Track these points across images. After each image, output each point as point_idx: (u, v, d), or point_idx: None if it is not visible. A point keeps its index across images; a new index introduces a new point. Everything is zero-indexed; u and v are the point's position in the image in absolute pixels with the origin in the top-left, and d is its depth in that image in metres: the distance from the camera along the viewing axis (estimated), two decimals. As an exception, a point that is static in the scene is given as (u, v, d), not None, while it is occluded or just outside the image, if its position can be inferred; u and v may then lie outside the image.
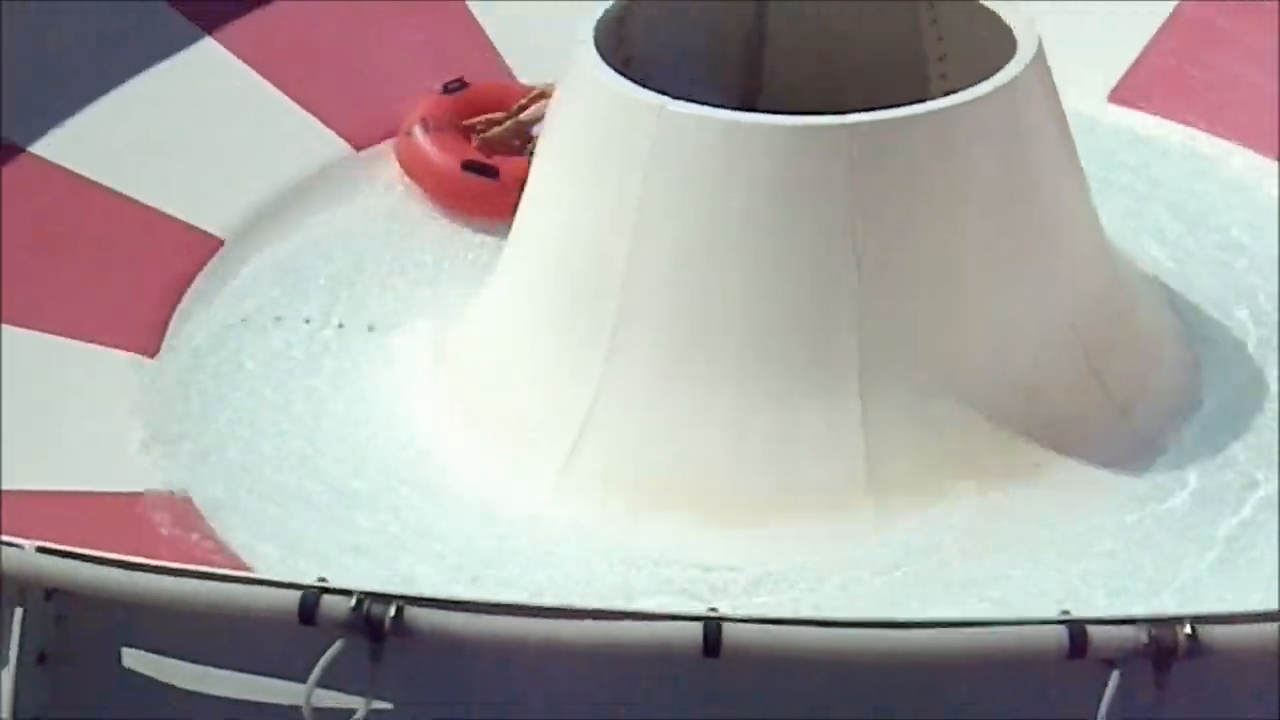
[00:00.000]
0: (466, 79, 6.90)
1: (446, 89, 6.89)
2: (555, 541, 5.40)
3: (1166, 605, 5.09)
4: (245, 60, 7.04)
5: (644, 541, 5.40)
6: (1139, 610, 3.94)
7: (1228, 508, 5.52)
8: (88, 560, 3.86)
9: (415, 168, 6.69)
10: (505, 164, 6.58)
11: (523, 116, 6.71)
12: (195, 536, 5.40)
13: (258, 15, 7.07)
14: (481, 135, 6.70)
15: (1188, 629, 3.72)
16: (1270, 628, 3.73)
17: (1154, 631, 3.71)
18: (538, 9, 7.08)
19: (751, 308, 5.62)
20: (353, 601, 3.74)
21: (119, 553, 3.92)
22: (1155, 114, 7.10)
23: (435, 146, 6.58)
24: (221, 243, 6.54)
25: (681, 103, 5.62)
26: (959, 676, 3.78)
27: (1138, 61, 7.22)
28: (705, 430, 5.59)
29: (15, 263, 6.27)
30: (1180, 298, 6.33)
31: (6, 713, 3.88)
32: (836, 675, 3.77)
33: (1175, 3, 7.25)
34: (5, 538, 3.92)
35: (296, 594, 3.76)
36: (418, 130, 6.73)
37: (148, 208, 6.56)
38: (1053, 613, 3.78)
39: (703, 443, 5.58)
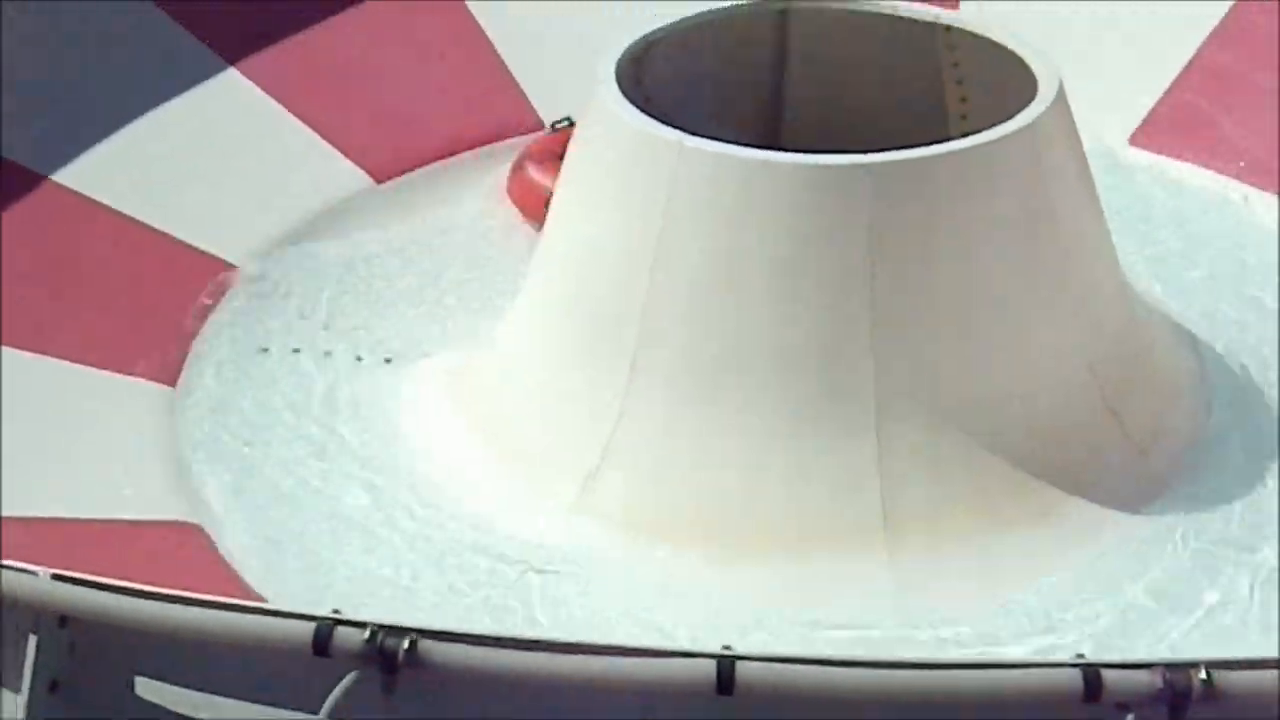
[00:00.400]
0: (497, 115, 6.93)
1: (554, 127, 6.96)
2: (570, 575, 5.40)
3: (1181, 649, 5.08)
4: (267, 91, 7.07)
5: (658, 575, 5.40)
6: (1153, 654, 3.93)
7: (1245, 551, 5.51)
8: (102, 588, 3.87)
9: (529, 201, 6.73)
10: None
11: None
12: (209, 566, 5.41)
13: (280, 47, 7.10)
14: None
15: (1203, 673, 3.71)
16: (1285, 673, 3.72)
17: (1169, 675, 3.70)
18: (561, 45, 7.12)
19: (769, 344, 5.62)
20: (366, 633, 3.74)
21: (133, 581, 3.93)
22: (1176, 157, 7.10)
23: (547, 179, 6.61)
24: (242, 272, 6.56)
25: (701, 140, 5.64)
26: (973, 718, 3.77)
27: (1159, 104, 7.22)
28: (721, 465, 5.59)
29: (35, 289, 6.30)
30: (1198, 339, 6.33)
31: (19, 740, 3.89)
32: (850, 714, 3.76)
33: (1196, 47, 7.26)
34: (20, 564, 3.93)
35: (310, 625, 3.76)
36: (530, 166, 6.78)
37: (168, 236, 6.58)
38: (1067, 655, 3.77)
39: (718, 477, 5.58)
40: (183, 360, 6.21)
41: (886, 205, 5.61)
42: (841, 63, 6.49)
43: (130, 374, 6.13)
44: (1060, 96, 5.86)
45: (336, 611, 3.80)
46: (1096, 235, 6.10)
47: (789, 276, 5.64)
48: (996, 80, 6.24)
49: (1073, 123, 5.97)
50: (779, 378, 5.62)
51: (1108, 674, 3.70)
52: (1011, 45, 6.13)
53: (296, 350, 6.29)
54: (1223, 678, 3.70)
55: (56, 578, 3.89)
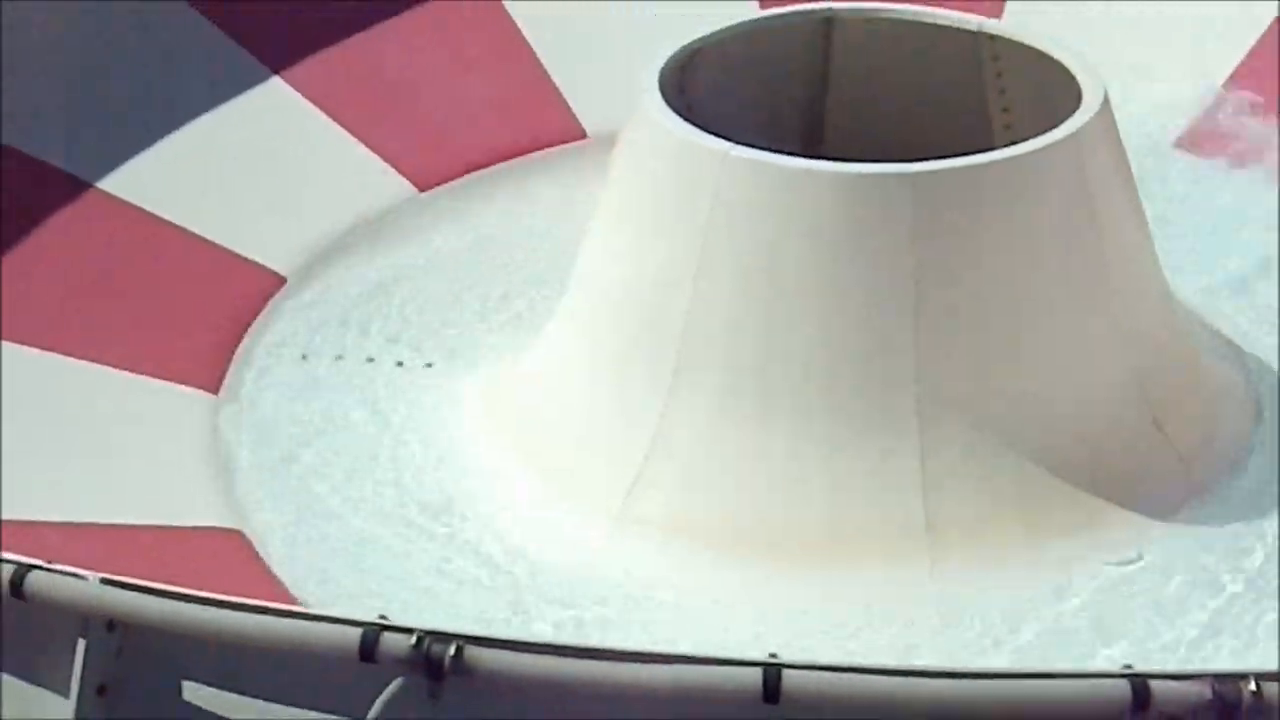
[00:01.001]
0: (539, 124, 6.94)
1: None
2: (612, 583, 5.40)
3: (1230, 660, 5.06)
4: (311, 100, 7.09)
5: (702, 584, 5.40)
6: (1202, 665, 3.91)
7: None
8: (151, 593, 3.88)
9: None
10: None
11: None
12: (252, 571, 5.42)
13: (324, 55, 7.13)
14: None
15: (1252, 685, 3.69)
16: (1336, 685, 3.70)
17: (1218, 687, 3.68)
18: (603, 53, 7.13)
19: (811, 353, 5.61)
20: (413, 639, 3.74)
21: (180, 587, 3.94)
22: (1222, 162, 7.07)
23: None
24: (285, 280, 6.58)
25: (744, 148, 5.64)
26: (1020, 728, 3.76)
27: (1205, 109, 7.20)
28: (763, 474, 5.59)
29: (81, 296, 6.33)
30: (1242, 349, 6.30)
31: (68, 744, 3.91)
32: (897, 723, 3.76)
33: (1245, 52, 7.23)
34: (69, 568, 3.95)
35: (357, 631, 3.76)
36: None
37: (212, 244, 6.61)
38: (1115, 666, 3.75)
39: (761, 487, 5.58)
40: (226, 367, 6.23)
41: (929, 214, 5.60)
42: (885, 71, 6.48)
43: (173, 380, 6.15)
44: (1105, 105, 5.84)
45: (383, 617, 3.80)
46: (1140, 244, 6.08)
47: (832, 285, 5.63)
48: (1041, 88, 6.22)
49: (1116, 131, 5.95)
50: (821, 387, 5.61)
51: (1156, 685, 3.67)
52: (1055, 53, 6.12)
53: (339, 357, 6.31)
54: (1271, 689, 3.68)
55: (105, 582, 3.90)
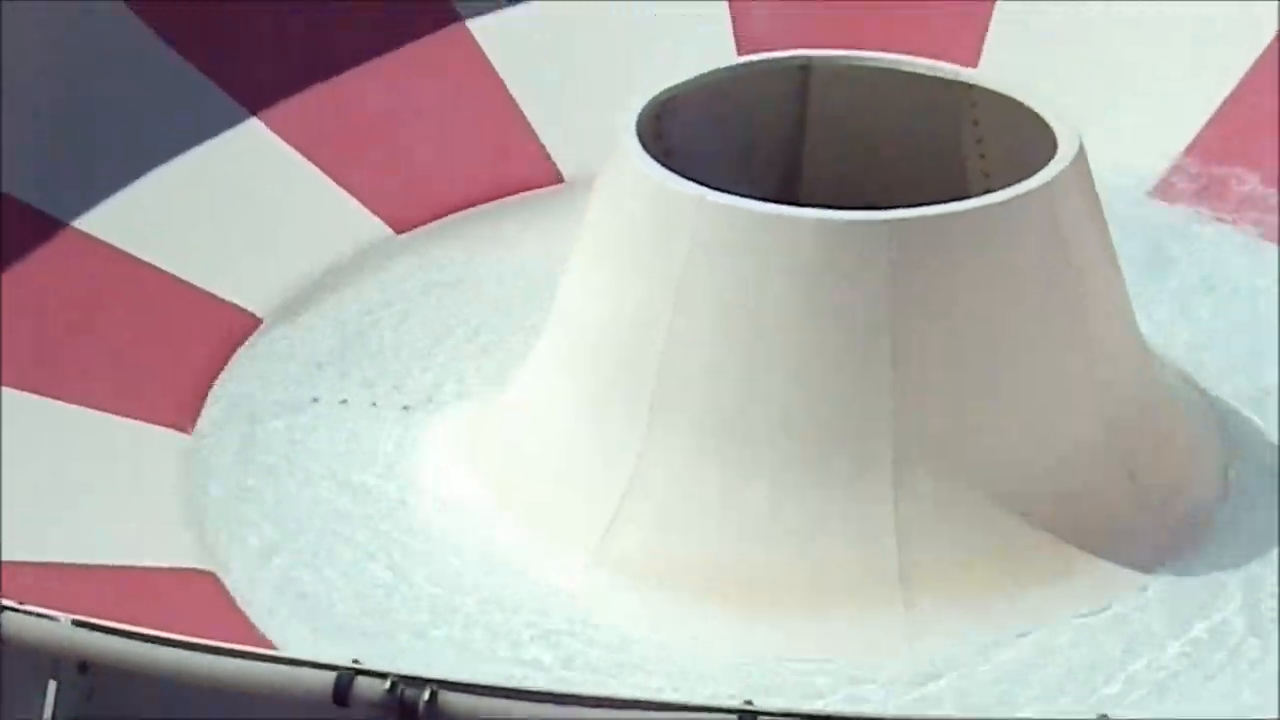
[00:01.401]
0: (516, 168, 6.95)
1: None
2: (588, 624, 5.40)
3: (1206, 712, 5.06)
4: (289, 141, 7.10)
5: (676, 626, 5.40)
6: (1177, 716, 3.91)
7: (1265, 618, 5.50)
8: (123, 635, 3.87)
9: None
10: None
11: None
12: (224, 613, 5.40)
13: (302, 97, 7.14)
14: None
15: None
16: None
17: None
18: (581, 99, 7.15)
19: (787, 399, 5.63)
20: (387, 684, 3.74)
21: (152, 628, 3.93)
22: (1195, 210, 7.11)
23: None
24: (260, 321, 6.57)
25: (721, 194, 5.66)
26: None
27: (1178, 159, 7.24)
28: (738, 518, 5.59)
29: (55, 335, 6.31)
30: (1216, 397, 6.33)
31: (37, 786, 3.89)
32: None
33: (1219, 102, 7.28)
34: (41, 609, 3.94)
35: (331, 675, 3.77)
36: None
37: (188, 285, 6.60)
38: (1089, 714, 3.76)
39: (735, 529, 5.58)
40: (200, 407, 6.22)
41: (905, 261, 5.62)
42: (862, 118, 6.51)
43: (147, 420, 6.13)
44: (1080, 155, 5.88)
45: (356, 661, 3.80)
46: (1114, 293, 6.11)
47: (808, 331, 5.65)
48: (1017, 136, 6.26)
49: (1092, 180, 5.98)
50: (797, 431, 5.62)
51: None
52: (1031, 103, 6.16)
53: (314, 399, 6.30)
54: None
55: (77, 623, 3.89)
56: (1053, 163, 5.83)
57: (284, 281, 6.69)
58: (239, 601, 5.49)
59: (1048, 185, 5.78)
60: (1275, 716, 5.51)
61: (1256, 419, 6.24)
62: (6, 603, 3.96)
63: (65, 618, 3.91)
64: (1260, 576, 5.63)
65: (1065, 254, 5.88)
